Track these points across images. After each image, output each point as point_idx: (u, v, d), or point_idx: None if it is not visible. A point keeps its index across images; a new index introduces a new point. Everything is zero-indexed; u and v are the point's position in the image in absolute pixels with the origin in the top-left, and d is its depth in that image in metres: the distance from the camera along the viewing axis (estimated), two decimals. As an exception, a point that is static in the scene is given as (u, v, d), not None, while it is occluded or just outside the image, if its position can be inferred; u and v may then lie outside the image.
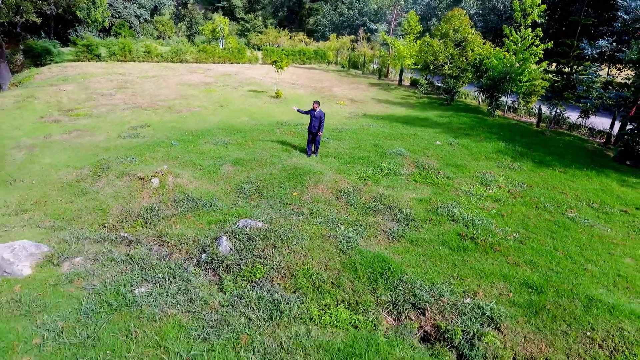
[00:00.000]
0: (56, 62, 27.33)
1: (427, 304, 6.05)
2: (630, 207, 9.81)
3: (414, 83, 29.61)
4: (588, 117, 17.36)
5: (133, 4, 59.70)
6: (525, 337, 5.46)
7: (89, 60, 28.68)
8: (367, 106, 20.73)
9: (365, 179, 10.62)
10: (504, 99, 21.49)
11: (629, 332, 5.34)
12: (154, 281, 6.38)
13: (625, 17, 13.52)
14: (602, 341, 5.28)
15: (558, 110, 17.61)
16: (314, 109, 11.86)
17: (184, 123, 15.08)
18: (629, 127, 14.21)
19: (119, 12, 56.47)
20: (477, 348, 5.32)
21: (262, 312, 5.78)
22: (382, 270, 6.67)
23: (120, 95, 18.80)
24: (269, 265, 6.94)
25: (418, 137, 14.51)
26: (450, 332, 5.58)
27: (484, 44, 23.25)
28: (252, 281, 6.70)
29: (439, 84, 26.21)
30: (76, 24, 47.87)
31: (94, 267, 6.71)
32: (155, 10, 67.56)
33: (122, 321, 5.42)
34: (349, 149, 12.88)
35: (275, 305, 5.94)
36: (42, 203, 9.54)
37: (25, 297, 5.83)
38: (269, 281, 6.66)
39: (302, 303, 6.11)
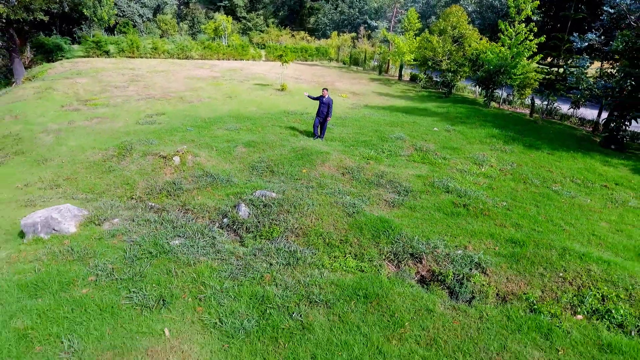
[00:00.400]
0: (67, 58, 28.24)
1: (423, 254, 6.97)
2: (610, 183, 10.74)
3: (413, 78, 30.52)
4: (578, 108, 18.27)
5: (136, 3, 60.69)
6: (507, 278, 6.37)
7: (98, 57, 29.58)
8: (369, 98, 21.64)
9: (368, 159, 11.54)
10: (499, 92, 22.39)
11: (595, 272, 6.26)
12: (185, 237, 7.30)
13: (610, 10, 14.44)
14: (572, 279, 6.20)
15: (550, 102, 18.52)
16: (323, 96, 12.79)
17: (197, 112, 16.00)
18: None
19: (123, 11, 57.45)
20: (466, 286, 6.23)
21: (281, 260, 6.69)
22: (384, 228, 7.58)
23: (133, 88, 19.72)
24: (283, 227, 7.86)
25: (417, 124, 15.43)
26: (443, 275, 6.49)
27: (480, 39, 24.16)
28: (269, 239, 7.62)
29: (438, 79, 27.11)
30: (82, 22, 48.87)
31: (131, 226, 7.63)
32: (157, 10, 68.50)
33: (162, 264, 6.33)
34: (353, 134, 13.79)
35: (292, 255, 6.85)
36: (73, 179, 10.46)
37: (76, 248, 6.75)
38: (285, 238, 7.58)
39: (315, 254, 7.03)
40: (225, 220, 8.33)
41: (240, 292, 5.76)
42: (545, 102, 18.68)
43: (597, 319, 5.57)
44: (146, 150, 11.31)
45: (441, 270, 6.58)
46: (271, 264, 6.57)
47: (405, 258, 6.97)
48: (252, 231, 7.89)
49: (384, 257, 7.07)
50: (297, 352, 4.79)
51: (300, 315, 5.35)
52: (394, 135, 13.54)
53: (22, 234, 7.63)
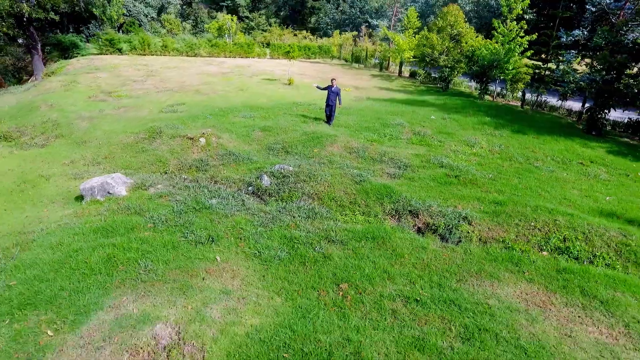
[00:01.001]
0: (82, 55, 29.56)
1: (420, 210, 8.35)
2: (585, 161, 12.13)
3: (412, 74, 31.87)
4: (566, 100, 19.65)
5: (141, 3, 62.06)
6: (488, 227, 7.75)
7: (110, 54, 30.92)
8: (370, 92, 23.01)
9: (371, 141, 12.92)
10: (493, 86, 23.75)
11: (560, 222, 7.64)
12: (219, 198, 8.68)
13: (592, 9, 15.84)
14: (541, 227, 7.58)
15: (539, 94, 19.90)
16: (331, 85, 14.17)
17: (213, 102, 17.37)
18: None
19: (130, 11, 58.81)
20: (454, 233, 7.61)
21: (302, 214, 8.07)
22: (387, 193, 8.96)
23: (150, 82, 21.09)
24: (301, 192, 9.24)
25: (415, 113, 16.80)
26: (436, 225, 7.88)
27: (476, 37, 25.52)
28: (289, 202, 8.99)
29: (436, 75, 28.47)
30: (90, 21, 50.24)
31: (173, 190, 9.01)
32: (162, 9, 69.87)
33: (205, 216, 7.71)
34: (357, 121, 15.17)
35: (310, 211, 8.24)
36: (111, 158, 11.84)
37: (131, 205, 8.13)
38: (303, 201, 8.96)
39: (329, 212, 8.41)
40: (250, 188, 9.71)
41: (272, 234, 7.14)
42: (536, 95, 20.05)
43: (558, 254, 6.95)
44: (174, 133, 12.68)
45: (434, 222, 7.97)
46: (294, 217, 7.95)
47: (404, 214, 8.35)
48: (274, 196, 9.27)
49: (387, 213, 8.45)
50: (321, 272, 6.17)
51: (322, 249, 6.74)
52: (394, 122, 14.92)
53: (80, 198, 9.00)
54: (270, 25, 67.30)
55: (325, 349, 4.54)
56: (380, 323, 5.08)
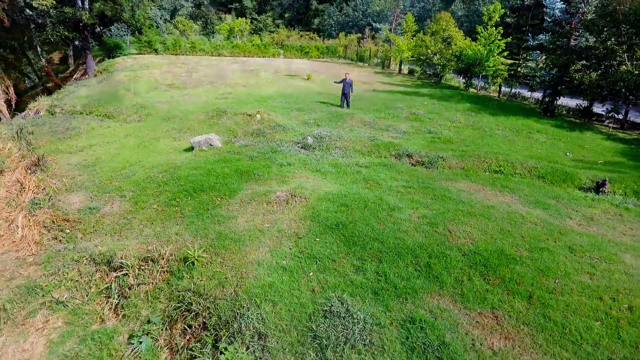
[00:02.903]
0: (125, 55, 34.20)
1: (413, 154, 13.05)
2: (533, 131, 16.86)
3: (410, 72, 36.58)
4: (534, 91, 24.35)
5: (154, 5, 66.72)
6: (455, 162, 12.43)
7: (148, 54, 35.57)
8: (375, 85, 27.71)
9: (379, 118, 17.61)
10: (477, 81, 28.44)
11: (500, 158, 12.32)
12: (281, 148, 13.33)
13: (548, 19, 20.53)
14: (487, 161, 12.26)
15: (512, 87, 24.59)
16: (345, 78, 18.82)
17: (253, 91, 22.03)
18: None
19: (148, 13, 63.57)
20: (434, 164, 12.29)
21: (339, 155, 12.73)
22: (392, 145, 13.64)
23: (195, 76, 25.75)
24: (334, 146, 13.90)
25: (412, 100, 21.51)
26: (423, 161, 12.56)
27: (465, 39, 30.23)
28: (328, 152, 13.64)
29: (430, 72, 33.17)
30: (114, 24, 54.84)
31: (251, 143, 13.67)
32: (174, 12, 74.48)
33: (279, 154, 12.35)
34: (367, 105, 19.85)
35: (344, 154, 12.90)
36: (192, 128, 16.47)
37: (229, 150, 12.78)
38: (337, 150, 13.62)
39: (355, 155, 13.07)
40: (299, 144, 14.36)
41: (324, 163, 11.82)
42: (509, 87, 24.74)
43: (494, 173, 11.64)
44: (234, 111, 17.34)
45: (422, 160, 12.66)
46: (334, 157, 12.63)
47: (403, 156, 13.05)
48: (317, 149, 13.94)
49: (392, 155, 13.14)
50: (355, 178, 10.83)
51: (354, 169, 11.41)
52: (396, 106, 19.61)
53: (190, 149, 13.63)
54: (277, 27, 71.94)
55: (364, 200, 9.19)
56: (391, 194, 9.74)
